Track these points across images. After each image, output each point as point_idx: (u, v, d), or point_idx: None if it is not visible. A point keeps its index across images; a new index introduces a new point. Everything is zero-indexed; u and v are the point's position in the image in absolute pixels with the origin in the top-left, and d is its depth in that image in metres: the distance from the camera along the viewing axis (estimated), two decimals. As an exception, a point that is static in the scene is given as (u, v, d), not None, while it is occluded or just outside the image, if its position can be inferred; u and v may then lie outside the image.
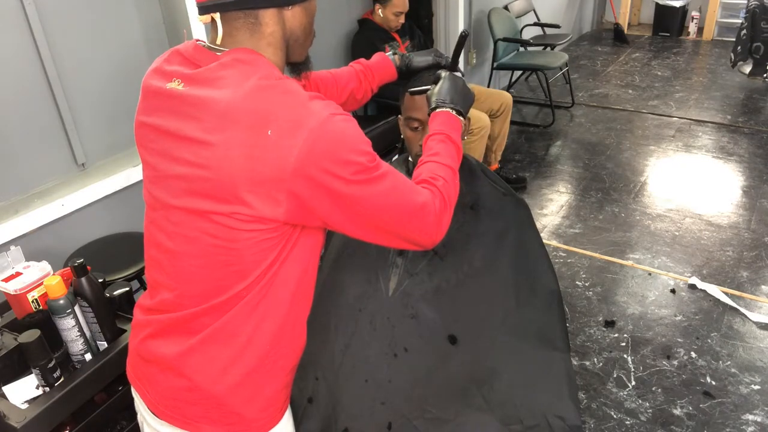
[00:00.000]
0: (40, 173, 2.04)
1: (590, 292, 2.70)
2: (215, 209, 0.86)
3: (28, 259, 1.50)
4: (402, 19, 3.24)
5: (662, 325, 2.47)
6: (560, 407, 1.25)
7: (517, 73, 5.11)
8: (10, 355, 1.38)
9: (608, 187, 3.60)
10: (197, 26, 2.28)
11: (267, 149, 0.82)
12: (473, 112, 3.24)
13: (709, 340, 2.37)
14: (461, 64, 2.64)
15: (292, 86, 0.87)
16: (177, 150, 0.90)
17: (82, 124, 2.13)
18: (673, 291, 2.67)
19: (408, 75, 1.36)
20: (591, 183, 3.67)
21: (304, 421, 1.21)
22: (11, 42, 1.88)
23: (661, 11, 6.61)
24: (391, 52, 1.37)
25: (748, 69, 4.81)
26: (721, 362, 2.26)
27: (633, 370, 2.26)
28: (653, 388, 2.17)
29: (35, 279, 1.44)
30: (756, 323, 2.44)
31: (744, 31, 4.67)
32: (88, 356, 1.39)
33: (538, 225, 3.11)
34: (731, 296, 2.60)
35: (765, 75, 4.68)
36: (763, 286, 2.66)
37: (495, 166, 3.68)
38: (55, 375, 1.31)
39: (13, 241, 1.89)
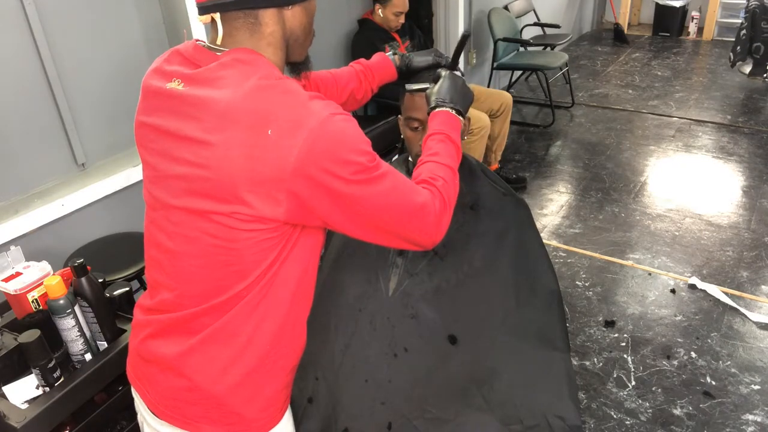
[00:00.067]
0: (40, 173, 2.04)
1: (590, 292, 2.70)
2: (215, 209, 0.86)
3: (28, 259, 1.50)
4: (402, 19, 3.24)
5: (662, 325, 2.47)
6: (560, 407, 1.25)
7: (517, 73, 5.11)
8: (10, 355, 1.38)
9: (608, 187, 3.60)
10: (197, 26, 2.28)
11: (267, 149, 0.82)
12: (473, 112, 3.24)
13: (709, 340, 2.37)
14: (461, 65, 2.64)
15: (292, 86, 0.87)
16: (177, 150, 0.90)
17: (82, 124, 2.13)
18: (673, 291, 2.67)
19: (408, 75, 1.36)
20: (591, 183, 3.67)
21: (304, 421, 1.21)
22: (11, 42, 1.89)
23: (661, 11, 6.61)
24: (391, 52, 1.37)
25: (748, 69, 4.81)
26: (721, 362, 2.26)
27: (633, 370, 2.26)
28: (653, 388, 2.17)
29: (35, 279, 1.44)
30: (756, 323, 2.44)
31: (744, 31, 4.67)
32: (88, 356, 1.39)
33: (538, 225, 3.11)
34: (731, 296, 2.60)
35: (765, 75, 4.68)
36: (763, 286, 2.66)
37: (495, 166, 3.68)
38: (55, 375, 1.31)
39: (13, 241, 1.89)
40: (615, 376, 2.23)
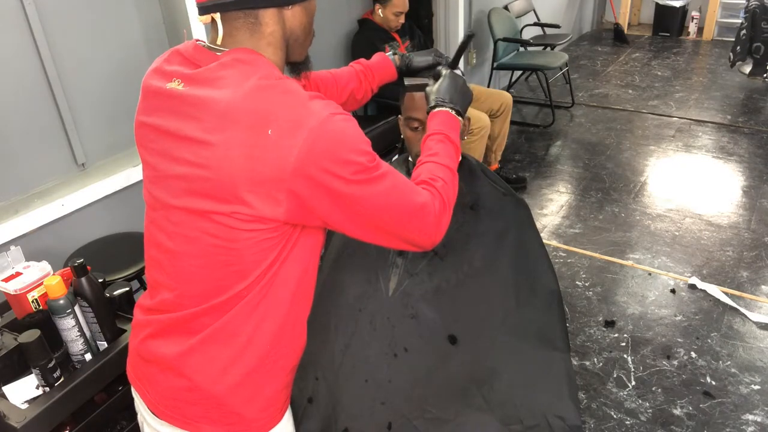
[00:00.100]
0: (40, 173, 2.04)
1: (590, 292, 2.70)
2: (215, 209, 0.86)
3: (28, 259, 1.50)
4: (402, 19, 3.24)
5: (662, 325, 2.47)
6: (560, 407, 1.25)
7: (517, 73, 5.11)
8: (10, 355, 1.38)
9: (608, 187, 3.60)
10: (197, 26, 2.28)
11: (267, 149, 0.82)
12: (473, 112, 3.24)
13: (709, 340, 2.37)
14: (461, 65, 2.64)
15: (292, 86, 0.87)
16: (177, 150, 0.90)
17: (82, 124, 2.13)
18: (673, 291, 2.67)
19: (408, 75, 1.36)
20: (591, 183, 3.67)
21: (304, 421, 1.21)
22: (11, 42, 1.88)
23: (661, 11, 6.61)
24: (391, 52, 1.37)
25: (748, 69, 4.81)
26: (721, 362, 2.26)
27: (633, 370, 2.26)
28: (653, 388, 2.17)
29: (35, 279, 1.44)
30: (756, 323, 2.44)
31: (744, 31, 4.67)
32: (88, 356, 1.39)
33: (538, 225, 3.11)
34: (731, 296, 2.60)
35: (765, 75, 4.68)
36: (763, 286, 2.66)
37: (495, 166, 3.68)
38: (55, 375, 1.31)
39: (13, 241, 1.89)
40: (615, 376, 2.23)
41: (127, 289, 1.53)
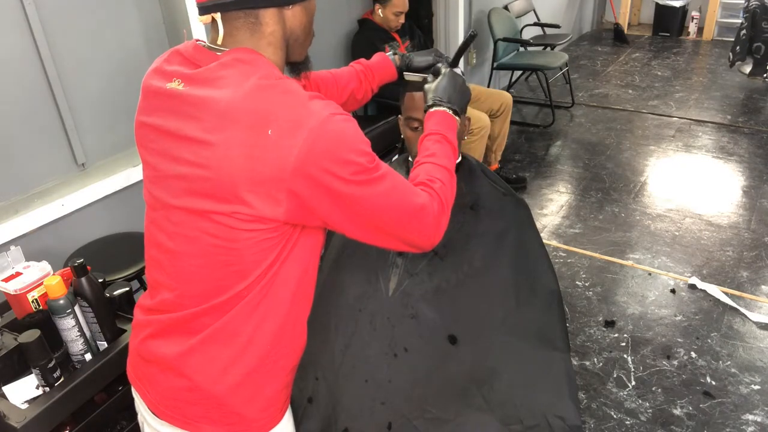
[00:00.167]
0: (40, 173, 2.04)
1: (590, 292, 2.70)
2: (215, 209, 0.86)
3: (28, 259, 1.50)
4: (402, 19, 3.24)
5: (662, 325, 2.47)
6: (560, 407, 1.25)
7: (517, 73, 5.11)
8: (10, 355, 1.38)
9: (608, 187, 3.60)
10: (197, 26, 2.28)
11: (267, 149, 0.82)
12: (473, 112, 3.24)
13: (709, 340, 2.37)
14: (461, 64, 2.64)
15: (292, 86, 0.87)
16: (177, 150, 0.90)
17: (82, 124, 2.13)
18: (673, 291, 2.67)
19: (408, 75, 1.36)
20: (591, 183, 3.67)
21: (304, 421, 1.21)
22: (11, 42, 1.88)
23: (661, 11, 6.61)
24: (391, 52, 1.37)
25: (748, 69, 4.81)
26: (721, 362, 2.26)
27: (633, 370, 2.26)
28: (653, 388, 2.17)
29: (35, 279, 1.44)
30: (756, 323, 2.44)
31: (743, 31, 4.67)
32: (88, 356, 1.39)
33: (538, 225, 3.11)
34: (731, 296, 2.60)
35: (765, 75, 4.68)
36: (763, 286, 2.66)
37: (495, 166, 3.68)
38: (55, 375, 1.31)
39: (13, 241, 1.89)
40: (615, 376, 2.23)
41: (127, 289, 1.53)
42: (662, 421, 2.04)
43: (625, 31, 6.58)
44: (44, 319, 1.38)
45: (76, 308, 1.36)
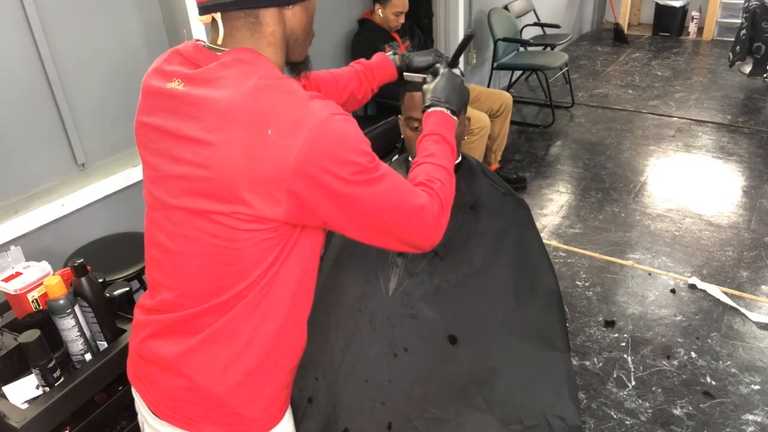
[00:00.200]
0: (40, 173, 2.04)
1: (590, 292, 2.70)
2: (215, 209, 0.86)
3: (28, 259, 1.50)
4: (402, 19, 3.24)
5: (662, 325, 2.47)
6: (560, 407, 1.25)
7: (517, 73, 5.11)
8: (10, 355, 1.38)
9: (608, 187, 3.60)
10: (197, 26, 2.28)
11: (267, 149, 0.82)
12: (473, 112, 3.24)
13: (709, 340, 2.37)
14: (461, 64, 2.64)
15: (292, 86, 0.87)
16: (177, 150, 0.90)
17: (82, 124, 2.13)
18: (673, 291, 2.67)
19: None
20: (591, 183, 3.67)
21: (304, 421, 1.21)
22: (11, 42, 1.88)
23: (661, 11, 6.61)
24: (391, 52, 1.37)
25: (748, 69, 4.81)
26: (721, 362, 2.26)
27: (633, 370, 2.26)
28: (653, 388, 2.17)
29: (35, 279, 1.44)
30: (756, 323, 2.44)
31: (743, 31, 4.67)
32: (88, 356, 1.39)
33: (538, 225, 3.11)
34: (731, 296, 2.60)
35: (765, 75, 4.68)
36: (763, 286, 2.66)
37: (495, 166, 3.68)
38: (55, 375, 1.31)
39: (13, 241, 1.89)
40: (615, 376, 2.23)
41: (127, 289, 1.53)
42: (662, 421, 2.04)
43: (625, 31, 6.58)
44: (44, 319, 1.38)
45: (76, 308, 1.36)
